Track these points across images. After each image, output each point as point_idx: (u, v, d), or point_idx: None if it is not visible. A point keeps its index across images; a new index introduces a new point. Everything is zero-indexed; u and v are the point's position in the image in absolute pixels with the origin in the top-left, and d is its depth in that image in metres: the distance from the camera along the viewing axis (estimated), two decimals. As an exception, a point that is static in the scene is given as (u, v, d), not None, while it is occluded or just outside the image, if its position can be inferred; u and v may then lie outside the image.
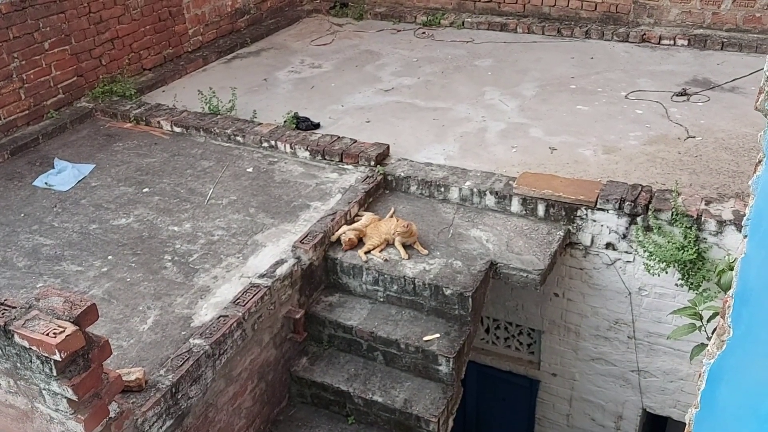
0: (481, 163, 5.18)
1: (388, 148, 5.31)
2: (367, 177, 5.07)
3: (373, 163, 5.14)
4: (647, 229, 4.33)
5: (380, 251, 4.43)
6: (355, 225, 4.55)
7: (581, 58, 6.75)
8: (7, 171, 5.21)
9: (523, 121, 5.76)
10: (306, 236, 4.37)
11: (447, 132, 5.68)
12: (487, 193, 4.82)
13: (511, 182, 4.82)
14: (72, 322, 2.43)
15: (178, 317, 3.75)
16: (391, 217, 4.66)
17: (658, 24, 6.88)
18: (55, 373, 2.46)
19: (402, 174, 5.07)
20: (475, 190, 4.86)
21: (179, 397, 3.26)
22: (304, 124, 5.72)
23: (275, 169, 5.30)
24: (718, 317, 2.82)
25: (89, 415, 2.59)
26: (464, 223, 4.74)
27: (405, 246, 4.44)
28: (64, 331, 2.39)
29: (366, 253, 4.41)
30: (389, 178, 5.10)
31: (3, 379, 2.60)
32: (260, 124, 5.71)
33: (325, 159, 5.31)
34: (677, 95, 5.84)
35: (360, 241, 4.46)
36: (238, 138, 5.61)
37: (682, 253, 4.08)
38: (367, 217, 4.66)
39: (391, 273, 4.28)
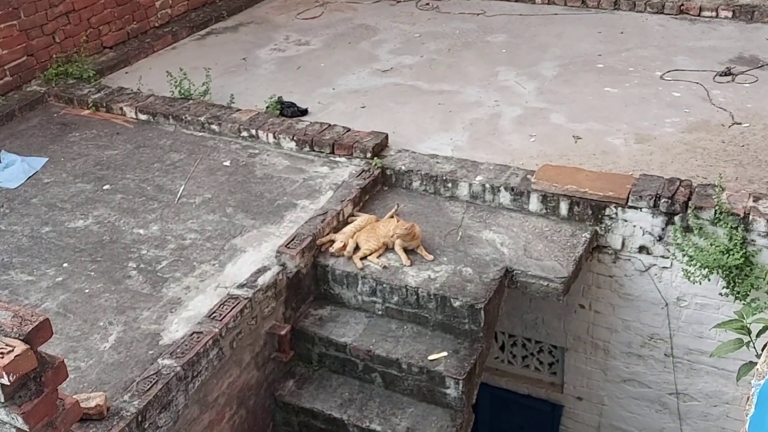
0: (494, 154, 5.22)
1: (386, 137, 5.34)
2: (363, 171, 5.09)
3: (369, 155, 5.16)
4: (686, 229, 4.35)
5: (378, 257, 4.47)
6: (347, 228, 4.58)
7: (609, 32, 6.79)
8: (-55, 165, 5.12)
9: (543, 106, 5.80)
10: (292, 240, 4.39)
11: (455, 118, 5.73)
12: (502, 189, 4.86)
13: (529, 176, 4.85)
14: (22, 340, 2.42)
15: (144, 334, 3.76)
16: (391, 217, 4.67)
17: (699, -8, 6.84)
18: (2, 399, 2.46)
19: (403, 167, 5.11)
20: (487, 185, 4.88)
21: (146, 426, 3.25)
22: (290, 111, 5.76)
23: (256, 162, 5.31)
24: (768, 331, 2.78)
25: (42, 447, 2.55)
26: (475, 224, 4.76)
27: (407, 250, 4.48)
28: (12, 350, 2.38)
29: (362, 258, 4.44)
30: (388, 172, 5.14)
31: (-58, 406, 2.52)
32: (239, 110, 5.76)
33: (313, 150, 5.34)
34: (720, 75, 5.88)
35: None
36: (213, 127, 5.65)
37: (727, 257, 4.09)
38: (362, 218, 4.69)
39: (391, 282, 4.30)
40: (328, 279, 4.52)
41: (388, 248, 4.54)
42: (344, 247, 4.48)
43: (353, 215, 4.82)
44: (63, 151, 5.39)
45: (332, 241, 4.52)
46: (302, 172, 5.21)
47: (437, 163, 5.13)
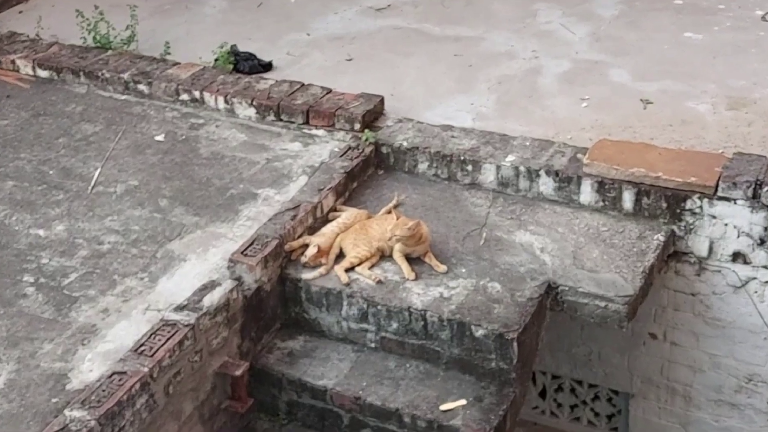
0: (531, 125, 5.27)
1: (381, 102, 5.40)
2: (349, 149, 5.16)
3: (358, 126, 5.23)
4: (801, 230, 4.45)
5: (371, 267, 4.53)
6: (328, 228, 4.64)
7: (690, -45, 6.82)
8: None
9: (599, 58, 5.90)
10: (251, 244, 4.43)
11: (476, 76, 5.78)
12: (542, 173, 4.92)
13: (580, 156, 4.91)
14: None
15: (45, 375, 3.76)
16: (389, 213, 4.76)
17: None
18: None
19: (405, 144, 5.18)
20: (522, 169, 4.95)
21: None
22: (248, 65, 5.85)
23: (201, 136, 5.37)
24: None
25: None
26: (505, 222, 4.81)
27: (410, 259, 4.53)
28: None
29: (348, 270, 4.50)
30: (384, 150, 5.21)
31: None
32: (176, 64, 5.82)
33: (281, 120, 5.39)
34: None
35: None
36: (141, 87, 5.70)
37: None
38: (349, 213, 4.76)
39: (389, 302, 4.35)
40: (301, 299, 4.55)
41: (384, 256, 4.60)
42: (323, 254, 4.54)
43: (336, 210, 4.87)
44: (-73, 123, 5.44)
45: (307, 246, 4.58)
46: (265, 149, 5.24)
47: (453, 137, 5.17)
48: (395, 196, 5.04)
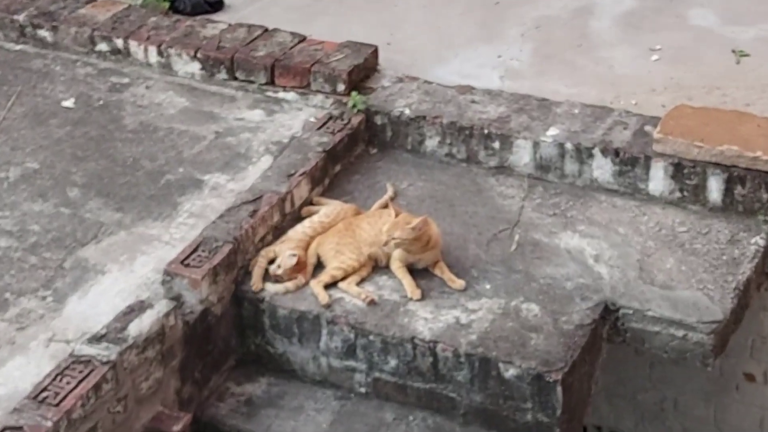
0: (581, 85, 5.31)
1: (375, 53, 5.46)
2: (330, 119, 5.18)
3: (342, 87, 5.27)
4: None
5: (359, 282, 4.59)
6: (300, 229, 4.72)
7: None
8: None
9: (675, -9, 6.04)
10: (194, 251, 4.47)
11: (506, 18, 5.88)
12: (597, 152, 4.97)
13: (649, 128, 4.94)
14: None
15: None
16: (385, 207, 4.82)
17: None
18: None
19: (407, 112, 5.20)
20: (569, 146, 4.98)
21: None
22: (190, 2, 6.02)
23: (125, 101, 5.39)
24: None
25: None
26: (545, 220, 4.85)
27: (414, 270, 4.58)
28: None
29: (328, 287, 4.55)
30: (379, 120, 5.25)
31: None
32: (91, 2, 5.90)
33: (235, 79, 5.42)
34: None
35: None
36: (43, 33, 5.74)
37: None
38: (330, 209, 4.83)
39: (384, 331, 4.39)
40: (264, 325, 4.59)
41: (378, 266, 4.66)
42: (303, 266, 4.60)
43: (313, 204, 4.93)
44: None
45: (273, 257, 4.63)
46: (214, 119, 5.27)
47: (473, 102, 5.16)
48: (392, 184, 5.08)
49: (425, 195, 5.05)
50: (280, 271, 4.58)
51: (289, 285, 4.61)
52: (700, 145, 4.82)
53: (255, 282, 4.60)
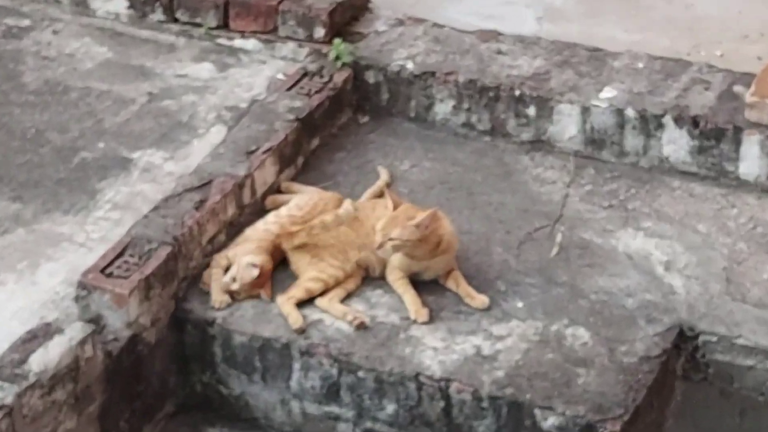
0: (647, 30, 5.12)
1: None
2: (305, 76, 4.91)
3: (321, 33, 5.00)
4: None
5: (344, 299, 4.19)
6: (263, 227, 4.36)
7: None
8: None
9: None
10: (119, 256, 4.11)
11: None
12: (668, 122, 4.63)
13: (740, 89, 4.66)
14: None
15: None
16: (379, 197, 4.50)
17: None
18: None
19: (410, 67, 4.92)
20: (630, 113, 4.67)
21: None
22: None
23: (25, 50, 5.18)
24: None
25: None
26: (597, 214, 4.55)
27: (419, 282, 4.22)
28: None
29: (300, 304, 4.17)
30: (371, 77, 4.99)
31: None
32: None
33: (175, 21, 5.18)
34: None
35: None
36: None
37: None
38: (304, 199, 4.50)
39: (379, 365, 4.00)
40: (215, 358, 4.21)
41: (370, 276, 4.28)
42: (261, 278, 4.22)
43: (281, 192, 4.61)
44: None
45: (228, 265, 4.31)
46: (146, 76, 5.02)
47: (499, 53, 4.84)
48: (388, 166, 4.72)
49: (434, 180, 4.69)
50: (235, 286, 4.17)
51: (257, 302, 4.26)
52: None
53: (216, 298, 4.23)
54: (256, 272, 4.17)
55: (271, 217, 4.41)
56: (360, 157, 4.80)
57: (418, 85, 4.88)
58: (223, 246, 4.46)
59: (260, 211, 4.50)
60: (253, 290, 4.19)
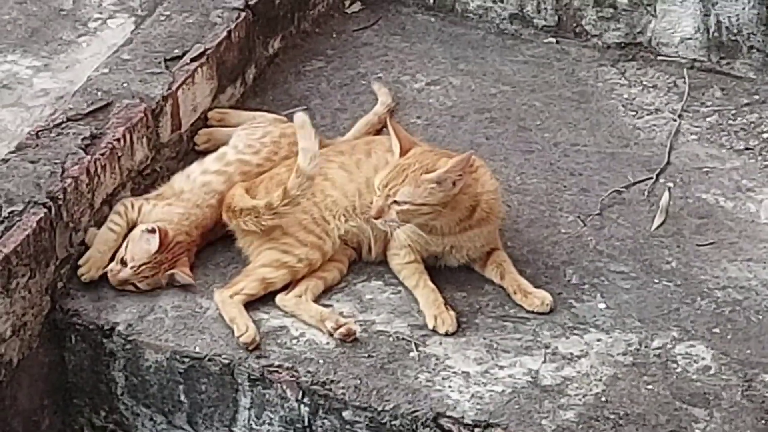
0: None
1: None
2: None
3: None
4: None
5: (319, 296, 3.56)
6: (197, 179, 3.68)
7: None
8: None
9: None
10: None
11: None
12: None
13: None
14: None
15: None
16: (377, 132, 3.86)
17: None
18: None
19: None
20: None
21: None
22: None
23: None
24: None
25: None
26: (727, 162, 3.93)
27: (432, 268, 3.64)
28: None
29: (250, 303, 3.51)
30: None
31: None
32: None
33: None
34: None
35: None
36: None
37: None
38: (257, 133, 3.78)
39: (375, 401, 3.40)
40: (114, 387, 3.59)
41: (360, 258, 3.60)
42: (168, 254, 3.52)
43: (222, 121, 3.93)
44: None
45: (134, 220, 3.64)
46: None
47: None
48: (386, 87, 4.04)
49: (466, 106, 3.91)
50: (128, 271, 3.39)
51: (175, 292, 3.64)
52: None
53: (86, 263, 3.50)
54: (155, 243, 3.35)
55: (209, 161, 3.56)
56: (347, 68, 4.16)
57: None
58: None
59: (188, 152, 3.76)
60: (157, 274, 3.35)
